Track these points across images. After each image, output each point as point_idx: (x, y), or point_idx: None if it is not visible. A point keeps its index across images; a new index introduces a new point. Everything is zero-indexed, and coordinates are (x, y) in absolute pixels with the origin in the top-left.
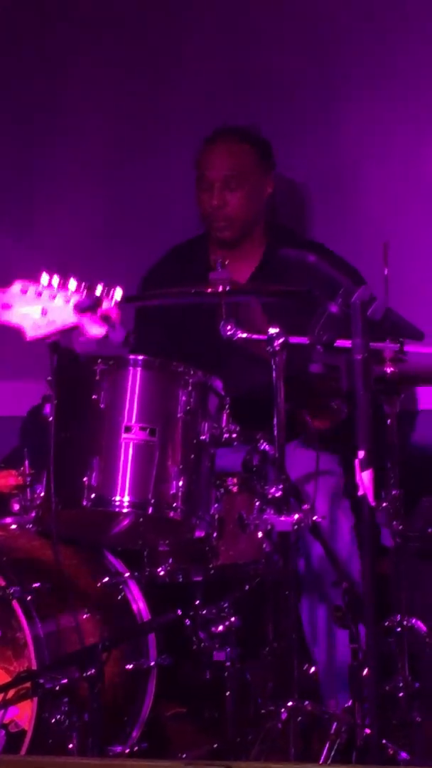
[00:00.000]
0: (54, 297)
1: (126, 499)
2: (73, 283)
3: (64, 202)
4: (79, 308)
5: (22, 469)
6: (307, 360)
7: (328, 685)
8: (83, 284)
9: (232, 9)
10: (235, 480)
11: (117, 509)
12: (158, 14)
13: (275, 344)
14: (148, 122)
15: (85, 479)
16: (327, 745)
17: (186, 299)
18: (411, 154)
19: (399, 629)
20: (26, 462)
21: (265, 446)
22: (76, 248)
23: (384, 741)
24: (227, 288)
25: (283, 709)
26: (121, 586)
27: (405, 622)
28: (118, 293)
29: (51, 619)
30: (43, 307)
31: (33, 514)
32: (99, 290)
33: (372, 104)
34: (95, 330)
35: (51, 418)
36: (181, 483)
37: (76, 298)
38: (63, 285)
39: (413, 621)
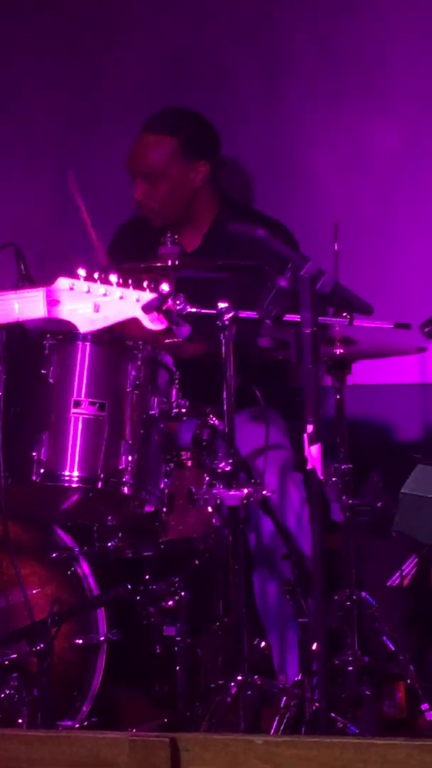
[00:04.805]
0: (106, 294)
1: (75, 473)
2: (114, 278)
3: (15, 180)
4: (148, 308)
5: None
6: (256, 334)
7: (280, 659)
8: (130, 281)
9: None
10: (189, 454)
11: (66, 484)
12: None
13: (225, 318)
14: (94, 102)
15: (34, 454)
16: (276, 719)
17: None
18: (358, 131)
19: (348, 603)
20: None
21: (214, 421)
22: (30, 225)
23: (333, 714)
24: (176, 262)
25: (232, 684)
26: (71, 561)
27: (354, 597)
28: (165, 287)
29: (0, 594)
30: (94, 302)
31: None
32: (165, 288)
33: (316, 81)
34: (154, 326)
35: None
36: (130, 458)
37: (134, 296)
38: (105, 279)
39: (362, 595)
